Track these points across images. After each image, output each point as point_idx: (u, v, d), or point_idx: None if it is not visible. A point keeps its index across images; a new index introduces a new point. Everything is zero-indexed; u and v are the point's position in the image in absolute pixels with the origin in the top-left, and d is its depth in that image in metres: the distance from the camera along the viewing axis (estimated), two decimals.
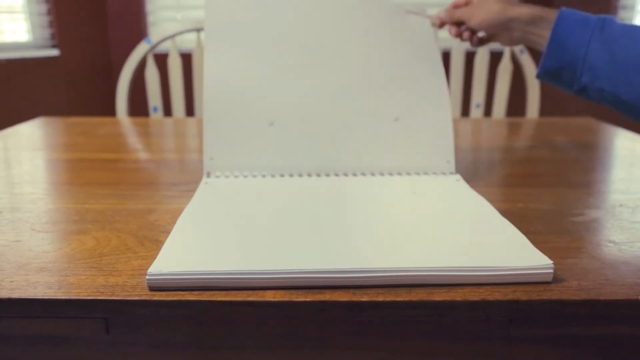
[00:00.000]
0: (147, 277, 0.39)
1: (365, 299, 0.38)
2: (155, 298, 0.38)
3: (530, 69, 1.24)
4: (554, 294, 0.39)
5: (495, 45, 1.60)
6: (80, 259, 0.44)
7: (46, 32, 1.88)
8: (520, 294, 0.39)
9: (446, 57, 1.53)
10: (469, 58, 1.37)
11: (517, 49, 1.25)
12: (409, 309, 0.38)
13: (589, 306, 0.38)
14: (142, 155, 0.82)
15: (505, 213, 0.55)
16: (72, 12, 1.90)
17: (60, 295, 0.39)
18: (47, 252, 0.46)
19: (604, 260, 0.44)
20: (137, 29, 2.06)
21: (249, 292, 0.39)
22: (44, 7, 1.88)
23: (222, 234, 0.46)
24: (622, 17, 2.20)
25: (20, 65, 1.76)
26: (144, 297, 0.39)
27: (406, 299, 0.38)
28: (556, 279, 0.41)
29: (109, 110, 1.91)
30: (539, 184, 0.66)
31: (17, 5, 1.85)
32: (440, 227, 0.47)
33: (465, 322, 0.39)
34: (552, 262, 0.41)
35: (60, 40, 1.90)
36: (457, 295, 0.38)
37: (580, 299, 0.38)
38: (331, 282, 0.39)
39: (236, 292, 0.39)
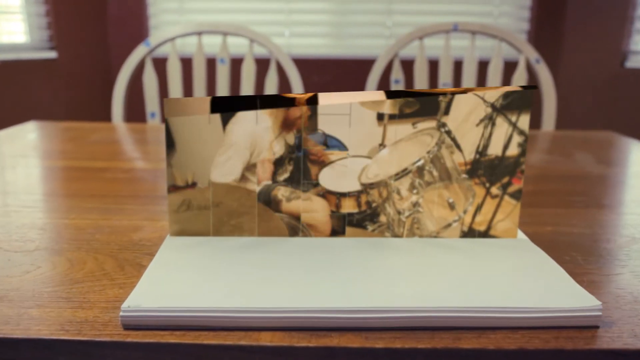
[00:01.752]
0: (121, 313, 0.33)
1: (380, 345, 0.32)
2: (130, 339, 0.32)
3: (546, 78, 1.19)
4: (605, 341, 0.33)
5: (509, 54, 1.54)
6: (48, 285, 0.38)
7: (44, 34, 1.83)
8: (564, 342, 0.32)
9: (458, 66, 1.49)
10: (482, 67, 1.32)
11: (533, 57, 1.20)
12: (432, 358, 0.32)
13: None
14: (134, 164, 0.76)
15: (533, 238, 0.49)
16: (71, 13, 1.85)
17: (18, 333, 0.33)
18: (11, 277, 0.40)
19: None
20: (138, 33, 2.01)
21: (242, 334, 0.33)
22: (42, 8, 1.84)
23: (212, 263, 0.40)
24: (636, 40, 2.14)
25: (17, 67, 1.71)
26: (116, 338, 0.32)
27: (428, 345, 0.32)
28: (604, 322, 0.35)
29: (109, 115, 1.86)
30: (566, 204, 0.60)
31: (15, 5, 1.81)
32: (467, 259, 0.41)
33: None
34: (600, 303, 0.34)
35: (59, 43, 1.86)
36: (489, 343, 0.32)
37: (638, 348, 0.32)
38: (340, 324, 0.33)
39: (226, 333, 0.33)
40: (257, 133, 0.43)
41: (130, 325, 0.33)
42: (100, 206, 0.57)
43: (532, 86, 0.42)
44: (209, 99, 0.43)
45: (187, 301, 0.34)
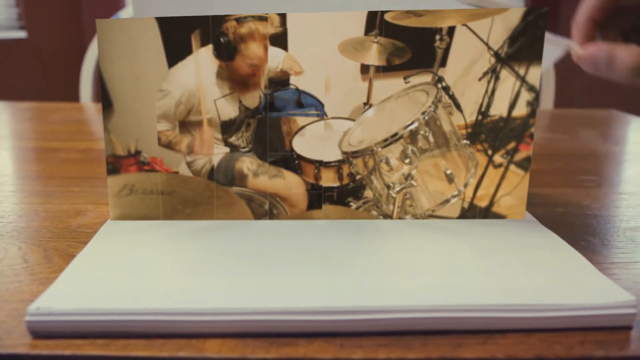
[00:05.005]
0: (27, 317, 0.26)
1: (358, 354, 0.25)
2: (37, 351, 0.25)
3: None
4: None
5: None
6: None
7: (12, 12, 1.73)
8: (591, 348, 0.26)
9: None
10: None
11: None
12: None
13: None
14: (92, 144, 0.68)
15: (542, 220, 0.42)
16: None
17: None
18: None
19: None
20: (114, 9, 1.90)
21: (182, 343, 0.26)
22: None
23: (154, 253, 0.33)
24: None
25: None
26: (18, 349, 0.25)
27: (421, 355, 0.25)
28: (638, 321, 0.28)
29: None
30: (575, 183, 0.53)
31: None
32: (466, 250, 0.34)
33: None
34: (634, 297, 0.28)
35: (28, 21, 1.75)
36: (497, 350, 0.25)
37: None
38: (307, 328, 0.26)
39: (162, 341, 0.26)
40: (196, 87, 0.35)
41: (40, 333, 0.26)
42: (42, 188, 0.49)
43: (542, 8, 0.34)
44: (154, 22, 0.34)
45: (114, 301, 0.27)
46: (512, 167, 0.37)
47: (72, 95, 1.82)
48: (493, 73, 0.35)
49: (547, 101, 1.13)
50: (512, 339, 0.26)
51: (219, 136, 0.36)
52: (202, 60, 0.35)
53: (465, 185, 0.37)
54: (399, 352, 0.25)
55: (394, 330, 0.26)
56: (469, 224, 0.37)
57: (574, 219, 0.43)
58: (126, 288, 0.28)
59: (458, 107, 0.36)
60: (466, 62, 0.35)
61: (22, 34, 1.73)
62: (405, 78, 0.35)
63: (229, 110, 0.35)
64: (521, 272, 0.30)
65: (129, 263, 0.31)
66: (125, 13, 1.13)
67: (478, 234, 0.36)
